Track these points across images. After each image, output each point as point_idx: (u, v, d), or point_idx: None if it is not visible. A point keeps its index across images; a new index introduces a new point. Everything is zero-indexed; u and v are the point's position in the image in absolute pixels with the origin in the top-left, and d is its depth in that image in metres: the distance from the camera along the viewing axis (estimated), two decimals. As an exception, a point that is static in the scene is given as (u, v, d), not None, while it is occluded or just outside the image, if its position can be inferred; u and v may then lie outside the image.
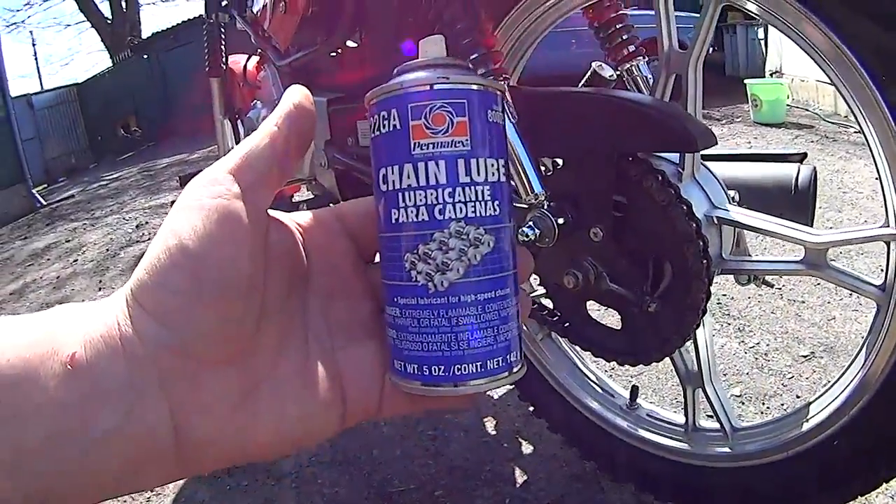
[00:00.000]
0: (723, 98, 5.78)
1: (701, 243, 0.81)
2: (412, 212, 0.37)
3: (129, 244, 4.59)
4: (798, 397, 1.59)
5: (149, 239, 4.47)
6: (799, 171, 1.15)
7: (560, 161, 0.93)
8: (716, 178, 0.99)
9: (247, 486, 1.56)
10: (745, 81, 5.19)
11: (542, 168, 0.94)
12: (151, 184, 7.43)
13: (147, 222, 5.18)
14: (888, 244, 0.88)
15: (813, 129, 4.52)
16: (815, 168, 1.16)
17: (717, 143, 0.83)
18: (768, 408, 1.58)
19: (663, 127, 0.79)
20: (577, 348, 1.26)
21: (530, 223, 0.89)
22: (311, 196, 1.78)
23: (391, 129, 0.37)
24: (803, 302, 2.06)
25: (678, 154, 0.96)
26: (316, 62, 1.51)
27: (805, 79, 5.55)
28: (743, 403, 1.61)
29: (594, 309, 1.02)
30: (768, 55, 6.77)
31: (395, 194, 0.37)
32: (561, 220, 0.87)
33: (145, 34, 16.27)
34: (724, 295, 2.14)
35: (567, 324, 1.03)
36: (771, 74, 6.31)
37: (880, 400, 0.89)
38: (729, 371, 1.74)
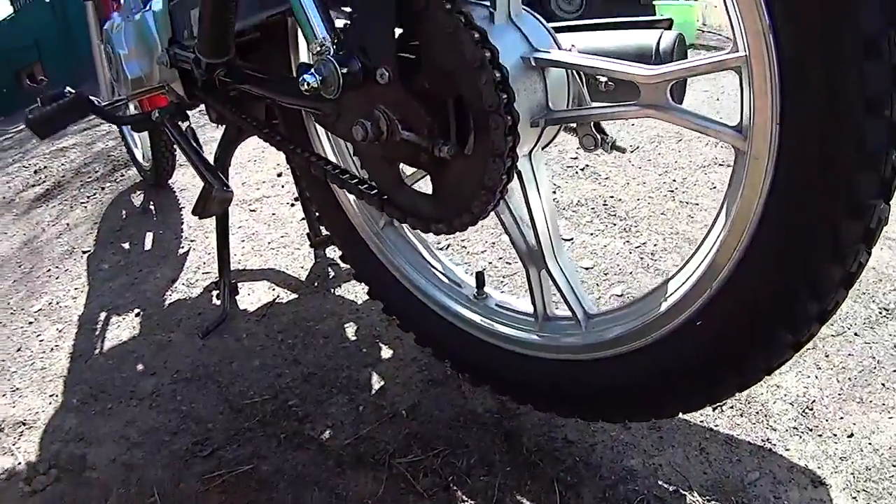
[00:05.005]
0: (635, 22, 5.71)
1: (498, 74, 0.70)
2: None
3: (25, 189, 4.37)
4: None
5: (45, 181, 4.29)
6: (661, 36, 1.06)
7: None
8: (540, 22, 0.88)
9: (111, 408, 1.50)
10: (654, 3, 5.13)
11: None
12: (55, 131, 7.01)
13: (46, 167, 4.94)
14: (739, 73, 0.73)
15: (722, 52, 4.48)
16: (680, 34, 1.06)
17: None
18: (651, 307, 1.52)
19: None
20: (421, 235, 1.17)
21: (312, 70, 0.78)
22: (167, 103, 1.64)
23: None
24: (697, 204, 2.00)
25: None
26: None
27: (717, 4, 5.50)
28: (624, 303, 1.55)
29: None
30: (682, -20, 6.69)
31: None
32: (345, 70, 0.76)
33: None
34: (612, 196, 2.07)
35: (385, 196, 0.92)
36: (684, -1, 6.23)
37: (746, 267, 0.76)
38: (611, 271, 1.68)
